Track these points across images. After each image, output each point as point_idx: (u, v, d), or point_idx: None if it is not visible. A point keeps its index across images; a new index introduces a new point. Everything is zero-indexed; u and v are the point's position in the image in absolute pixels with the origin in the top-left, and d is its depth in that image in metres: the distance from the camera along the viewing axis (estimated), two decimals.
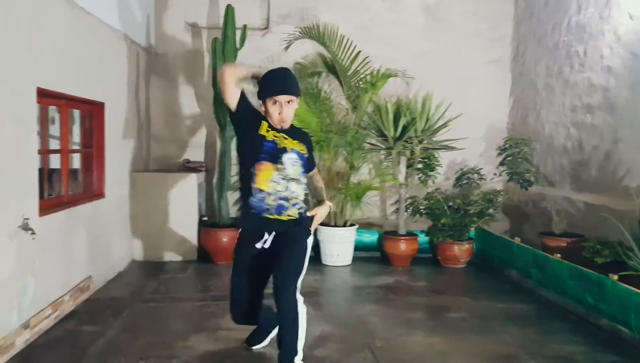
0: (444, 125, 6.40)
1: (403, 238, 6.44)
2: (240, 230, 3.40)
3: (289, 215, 3.18)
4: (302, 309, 3.21)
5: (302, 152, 3.26)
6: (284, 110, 3.13)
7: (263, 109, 3.21)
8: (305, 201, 3.39)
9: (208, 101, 6.96)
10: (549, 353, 3.85)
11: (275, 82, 3.15)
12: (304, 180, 3.28)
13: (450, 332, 4.27)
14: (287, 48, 6.80)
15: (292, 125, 3.30)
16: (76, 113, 5.31)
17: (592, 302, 4.44)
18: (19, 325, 3.69)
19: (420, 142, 6.33)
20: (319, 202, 3.52)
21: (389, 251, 6.46)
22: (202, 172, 6.86)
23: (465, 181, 6.78)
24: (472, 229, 6.55)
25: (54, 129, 4.90)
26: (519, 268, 5.76)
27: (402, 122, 6.22)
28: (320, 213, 3.42)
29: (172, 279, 5.66)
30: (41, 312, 4.00)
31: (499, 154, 6.74)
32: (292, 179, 3.17)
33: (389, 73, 6.70)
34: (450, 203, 6.44)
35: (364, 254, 6.79)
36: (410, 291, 5.54)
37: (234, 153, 6.80)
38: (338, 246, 6.38)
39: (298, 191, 3.22)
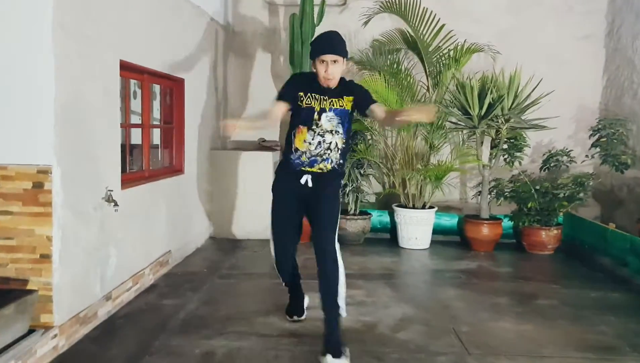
0: (534, 102, 6.00)
1: (486, 222, 6.13)
2: (276, 175, 3.65)
3: (320, 168, 3.45)
4: (341, 262, 3.37)
5: (342, 107, 3.43)
6: (330, 69, 3.32)
7: (314, 69, 3.42)
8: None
9: (284, 79, 6.86)
10: None
11: (323, 43, 3.38)
12: (342, 131, 3.43)
13: (541, 319, 4.01)
14: (366, 23, 6.59)
15: (343, 82, 3.47)
16: (157, 88, 5.33)
17: None
18: (102, 296, 3.72)
19: (507, 121, 5.97)
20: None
21: (471, 235, 6.18)
22: (277, 151, 6.80)
23: (553, 164, 6.37)
24: (561, 214, 6.16)
25: (136, 105, 4.94)
26: (613, 256, 5.37)
27: (488, 99, 5.87)
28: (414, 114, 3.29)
29: (248, 256, 5.64)
30: (123, 284, 4.05)
31: (592, 135, 6.29)
32: (327, 131, 3.39)
33: (474, 48, 6.36)
34: (538, 186, 6.06)
35: (442, 238, 6.55)
36: (495, 276, 5.27)
37: None
38: (416, 229, 6.16)
39: (334, 140, 3.41)
